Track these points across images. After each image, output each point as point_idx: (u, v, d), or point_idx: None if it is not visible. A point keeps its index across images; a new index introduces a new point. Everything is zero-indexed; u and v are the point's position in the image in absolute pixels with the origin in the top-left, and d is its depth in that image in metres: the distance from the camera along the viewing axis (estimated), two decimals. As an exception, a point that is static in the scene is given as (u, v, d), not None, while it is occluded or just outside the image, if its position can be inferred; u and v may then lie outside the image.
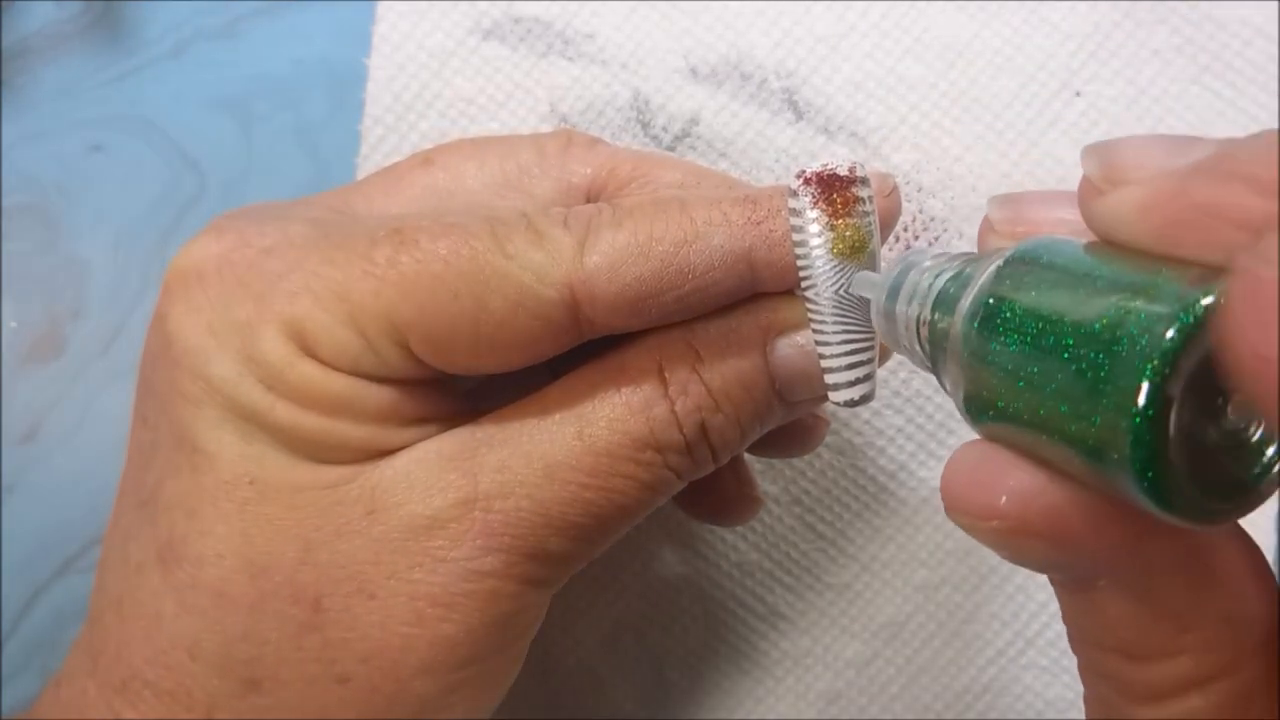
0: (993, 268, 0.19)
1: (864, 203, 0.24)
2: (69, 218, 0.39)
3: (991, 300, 0.18)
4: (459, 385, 0.27)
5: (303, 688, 0.25)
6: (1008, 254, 0.19)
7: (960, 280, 0.20)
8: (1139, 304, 0.16)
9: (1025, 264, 0.18)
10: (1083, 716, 0.38)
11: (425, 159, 0.29)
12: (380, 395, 0.25)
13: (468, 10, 0.38)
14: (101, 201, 0.39)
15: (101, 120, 0.39)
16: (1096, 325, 0.16)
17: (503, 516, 0.25)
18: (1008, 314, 0.18)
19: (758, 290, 0.25)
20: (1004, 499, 0.18)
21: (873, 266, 0.24)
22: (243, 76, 0.40)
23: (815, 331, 0.25)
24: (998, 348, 0.18)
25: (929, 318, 0.21)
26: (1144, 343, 0.15)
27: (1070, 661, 0.38)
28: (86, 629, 0.27)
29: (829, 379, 0.25)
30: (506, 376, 0.26)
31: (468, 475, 0.25)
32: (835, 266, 0.24)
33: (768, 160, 0.38)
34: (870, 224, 0.24)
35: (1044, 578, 0.38)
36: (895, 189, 0.26)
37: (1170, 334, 0.15)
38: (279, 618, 0.25)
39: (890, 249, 0.38)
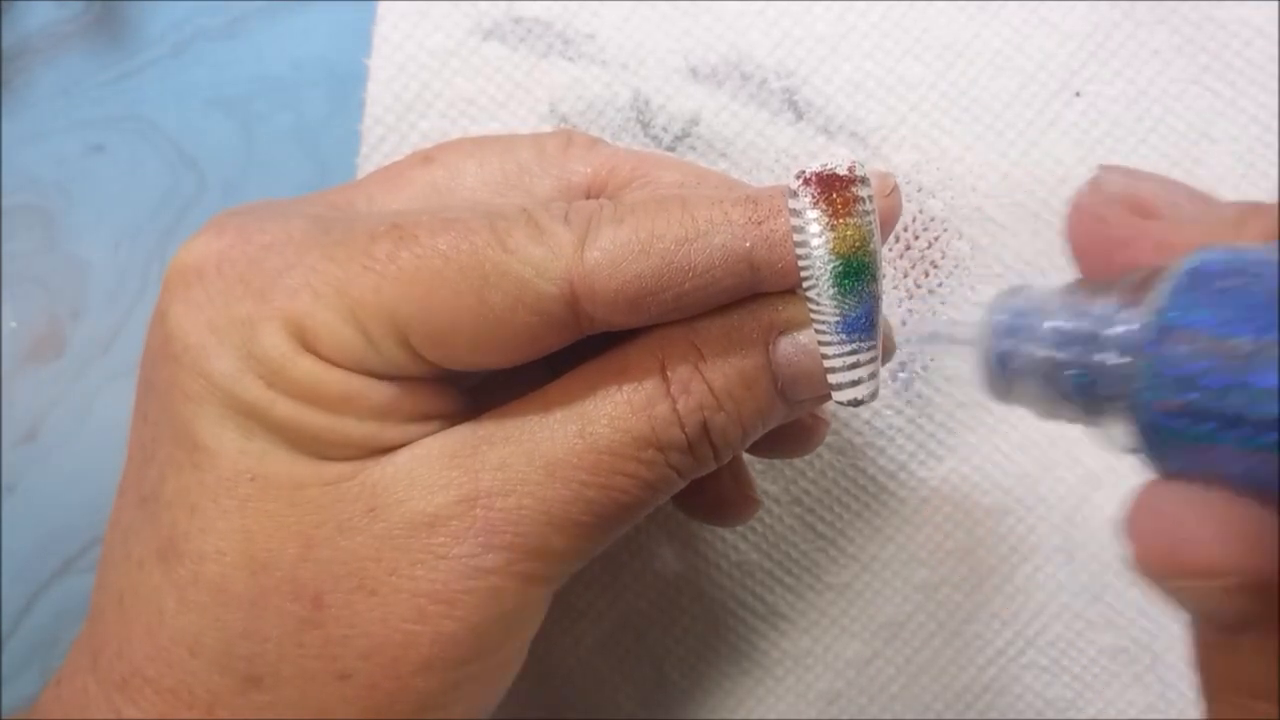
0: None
1: (864, 202, 0.24)
2: (69, 218, 0.39)
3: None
4: (460, 382, 0.27)
5: (303, 684, 0.25)
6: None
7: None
8: None
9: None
10: (1082, 716, 0.38)
11: (425, 157, 0.29)
12: (381, 391, 0.25)
13: (468, 10, 0.38)
14: (101, 201, 0.39)
15: (101, 120, 0.39)
16: None
17: (504, 514, 0.25)
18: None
19: (759, 290, 0.25)
20: (1235, 552, 0.16)
21: (874, 266, 0.24)
22: (243, 76, 0.40)
23: (818, 331, 0.25)
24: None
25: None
26: None
27: (1070, 661, 0.39)
28: (87, 626, 0.27)
29: (831, 379, 0.25)
30: (507, 374, 0.26)
31: (469, 473, 0.25)
32: (836, 266, 0.24)
33: (768, 160, 0.38)
34: (871, 223, 0.24)
35: (1043, 578, 0.38)
36: (895, 189, 0.26)
37: None
38: (280, 614, 0.25)
39: (890, 249, 0.38)
